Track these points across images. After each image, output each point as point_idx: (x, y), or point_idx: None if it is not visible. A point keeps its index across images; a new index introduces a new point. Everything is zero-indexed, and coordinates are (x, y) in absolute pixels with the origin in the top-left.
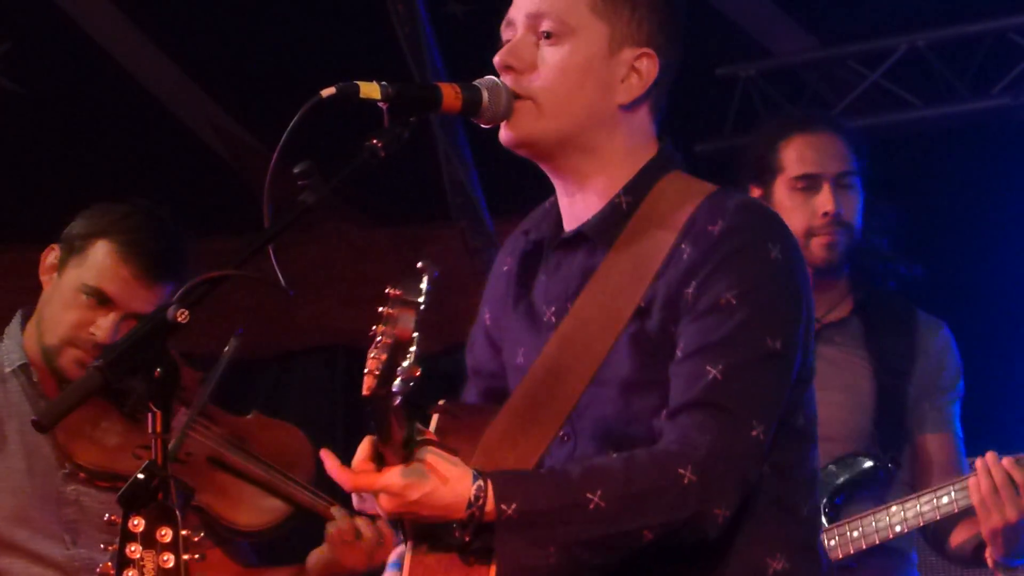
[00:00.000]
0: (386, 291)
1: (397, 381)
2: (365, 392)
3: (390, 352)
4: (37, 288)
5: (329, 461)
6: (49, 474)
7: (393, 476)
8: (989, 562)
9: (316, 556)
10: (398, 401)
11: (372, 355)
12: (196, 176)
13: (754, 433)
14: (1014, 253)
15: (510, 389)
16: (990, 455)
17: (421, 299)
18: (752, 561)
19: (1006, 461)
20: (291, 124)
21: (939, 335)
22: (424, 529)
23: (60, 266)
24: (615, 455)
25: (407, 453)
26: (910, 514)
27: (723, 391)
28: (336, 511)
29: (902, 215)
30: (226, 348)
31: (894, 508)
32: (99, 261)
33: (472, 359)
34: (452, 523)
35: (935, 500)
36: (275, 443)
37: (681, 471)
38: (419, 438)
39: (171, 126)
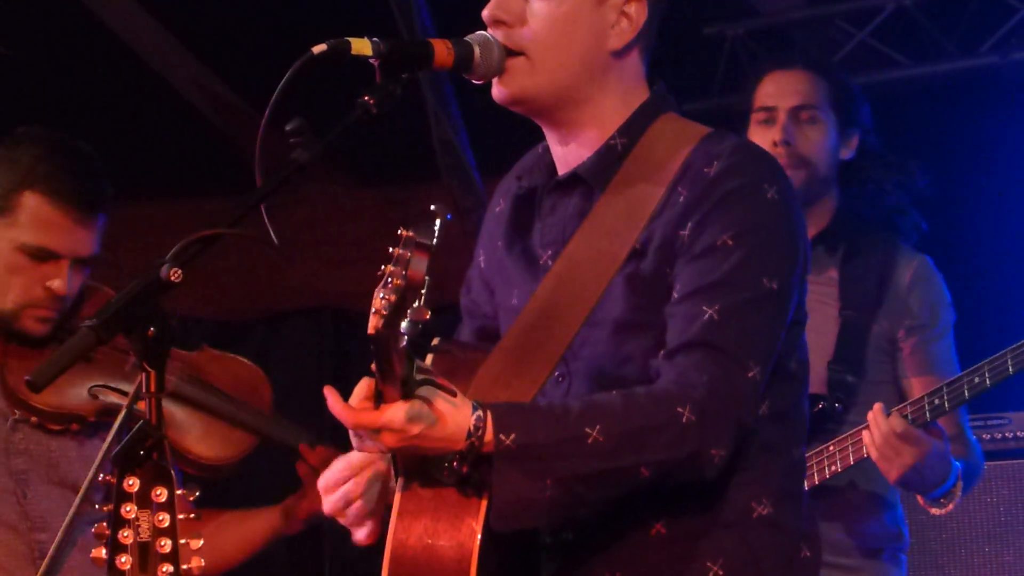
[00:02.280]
0: (398, 232)
1: (406, 322)
2: (370, 331)
3: (400, 293)
4: None
5: (331, 398)
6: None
7: (395, 412)
8: (920, 501)
9: (292, 498)
10: (404, 342)
11: (380, 295)
12: (183, 138)
13: (751, 374)
14: (1000, 209)
15: (501, 330)
16: (877, 407)
17: (434, 241)
18: (738, 505)
19: (893, 417)
20: (283, 82)
21: (912, 266)
22: (416, 466)
23: None
24: (614, 392)
25: (407, 390)
26: (838, 458)
27: (720, 331)
28: (304, 444)
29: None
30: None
31: (832, 448)
32: (32, 216)
33: (467, 300)
34: (449, 457)
35: (851, 446)
36: (229, 375)
37: (680, 410)
38: (419, 376)
39: (157, 87)
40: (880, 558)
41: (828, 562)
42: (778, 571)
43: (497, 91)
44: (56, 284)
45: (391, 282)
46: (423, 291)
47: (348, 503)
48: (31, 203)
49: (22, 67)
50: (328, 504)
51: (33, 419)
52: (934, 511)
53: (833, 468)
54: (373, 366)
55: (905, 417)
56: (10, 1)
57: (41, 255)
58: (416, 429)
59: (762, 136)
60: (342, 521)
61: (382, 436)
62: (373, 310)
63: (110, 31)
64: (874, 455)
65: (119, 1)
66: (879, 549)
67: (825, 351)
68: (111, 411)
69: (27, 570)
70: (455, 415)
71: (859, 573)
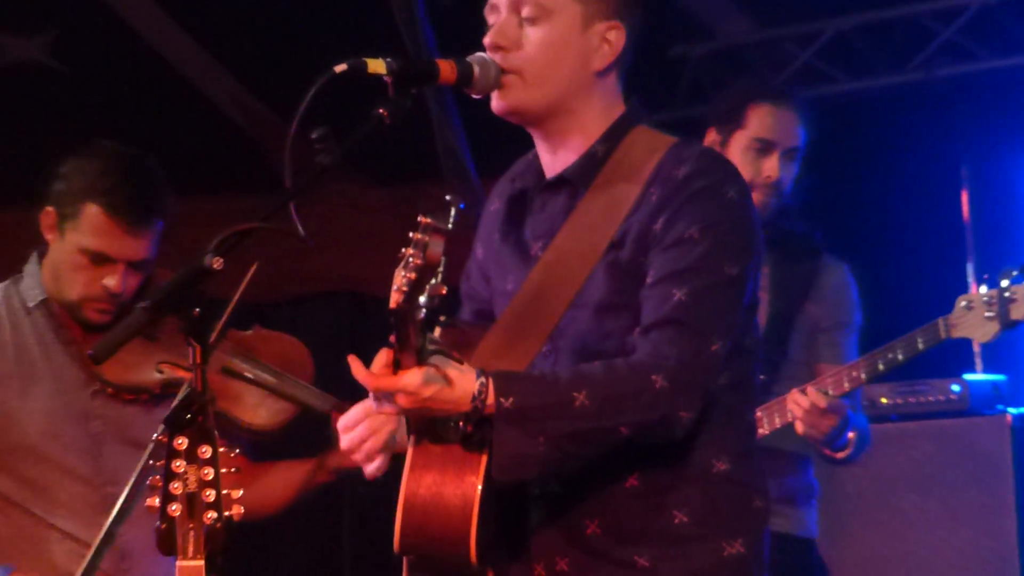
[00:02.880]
0: (418, 219)
1: (424, 297)
2: (392, 306)
3: (420, 272)
4: None
5: (355, 365)
6: (77, 393)
7: (410, 376)
8: (825, 452)
9: (323, 454)
10: (423, 315)
11: (402, 274)
12: (218, 144)
13: (714, 348)
14: (923, 203)
15: (496, 312)
16: (809, 388)
17: (450, 226)
18: (700, 461)
19: (814, 394)
20: (308, 95)
21: (835, 274)
22: (426, 426)
23: (59, 228)
24: (598, 363)
25: (421, 358)
26: (776, 420)
27: (688, 311)
28: (336, 411)
29: (819, 181)
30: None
31: (759, 414)
32: (92, 225)
33: (467, 287)
34: (456, 417)
35: (776, 413)
36: (278, 352)
37: (654, 377)
38: (431, 347)
39: (196, 100)
40: (796, 504)
41: None
42: (734, 519)
43: (496, 104)
44: (110, 283)
45: (411, 262)
46: (440, 270)
47: (362, 441)
48: (91, 213)
49: (78, 82)
50: (345, 441)
51: (109, 390)
52: (839, 455)
53: (760, 431)
54: (392, 337)
55: (825, 392)
56: (68, 26)
57: (98, 258)
58: (428, 392)
59: (753, 161)
60: (355, 456)
61: (398, 398)
62: (395, 287)
63: (160, 56)
64: (800, 428)
65: (169, 30)
66: (795, 497)
67: (762, 329)
68: (175, 384)
69: (99, 518)
70: (462, 380)
71: (779, 516)
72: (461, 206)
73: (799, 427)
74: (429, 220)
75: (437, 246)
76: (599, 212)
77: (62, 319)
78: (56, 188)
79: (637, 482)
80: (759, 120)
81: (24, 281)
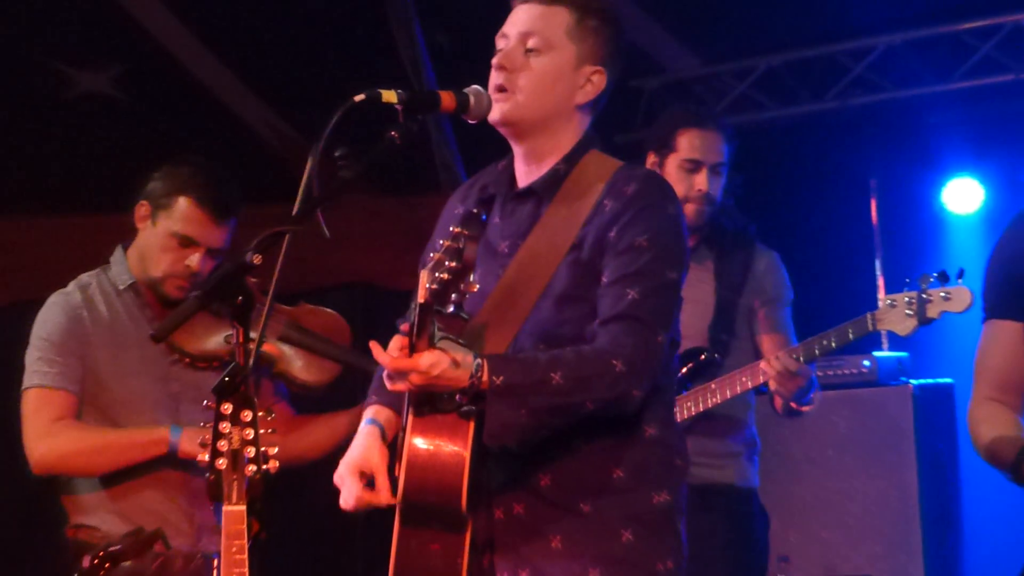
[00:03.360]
0: (451, 229)
1: (455, 294)
2: (421, 299)
3: (454, 273)
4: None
5: (375, 349)
6: (159, 361)
7: (424, 358)
8: (777, 407)
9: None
10: (451, 308)
11: (434, 274)
12: (252, 161)
13: (659, 339)
14: (839, 210)
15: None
16: (781, 354)
17: (480, 233)
18: (635, 428)
19: (786, 357)
20: (332, 121)
21: (766, 259)
22: (426, 399)
23: (152, 217)
24: (568, 348)
25: (432, 343)
26: (727, 391)
27: (639, 308)
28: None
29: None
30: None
31: (713, 386)
32: (183, 213)
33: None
34: (454, 392)
35: (740, 380)
36: (321, 322)
37: (614, 362)
38: (439, 333)
39: (234, 124)
40: (740, 459)
41: (705, 463)
42: (660, 474)
43: (493, 114)
44: (192, 263)
45: (447, 264)
46: (471, 272)
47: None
48: (183, 204)
49: (138, 111)
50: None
51: (185, 360)
52: (804, 408)
53: (714, 400)
54: (405, 326)
55: (797, 358)
56: (130, 63)
57: (185, 242)
58: (437, 371)
59: (685, 178)
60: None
61: (412, 377)
62: (426, 285)
63: (205, 87)
64: (772, 385)
65: (212, 65)
66: (740, 453)
67: (706, 317)
68: None
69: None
70: (462, 363)
71: (725, 468)
72: (483, 218)
73: (773, 385)
74: (463, 230)
75: (472, 251)
76: (561, 220)
77: (147, 299)
78: (151, 186)
79: (583, 444)
80: (687, 143)
81: (112, 269)
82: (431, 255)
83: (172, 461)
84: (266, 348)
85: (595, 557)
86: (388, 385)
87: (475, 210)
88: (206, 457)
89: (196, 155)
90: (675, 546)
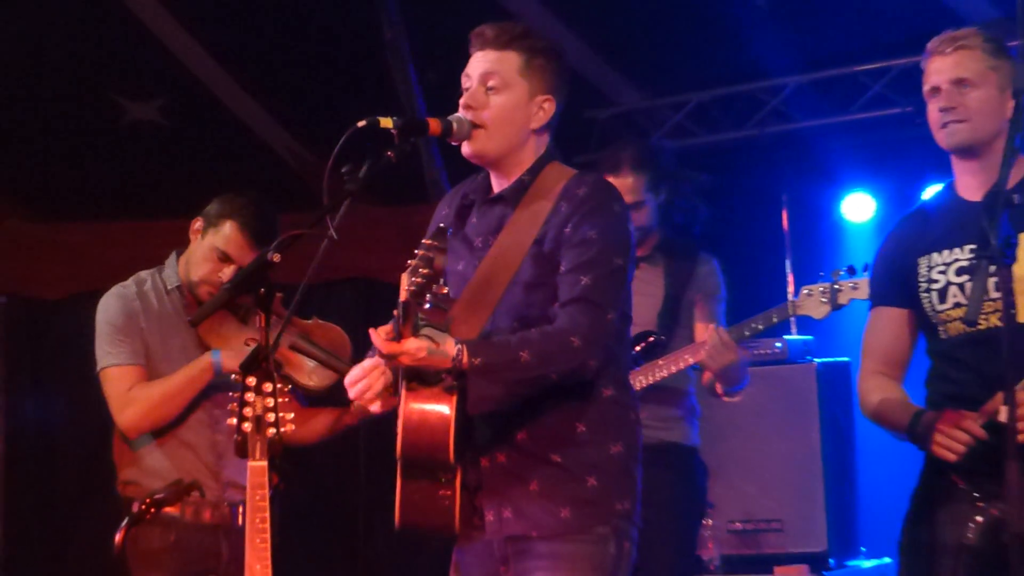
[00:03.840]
0: (424, 241)
1: (430, 295)
2: (403, 298)
3: (427, 278)
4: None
5: (373, 334)
6: (196, 349)
7: (410, 343)
8: (719, 391)
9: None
10: (428, 305)
11: (411, 278)
12: (273, 177)
13: (609, 317)
14: (756, 219)
15: (447, 282)
16: (712, 327)
17: (447, 245)
18: (595, 390)
19: (722, 331)
20: (340, 143)
21: (707, 264)
22: (416, 376)
23: (203, 232)
24: (534, 330)
25: (416, 331)
26: (672, 367)
27: (592, 292)
28: None
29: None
30: (301, 287)
31: (661, 363)
32: (228, 235)
33: None
34: (439, 371)
35: (683, 358)
36: (327, 336)
37: (573, 339)
38: (422, 323)
39: (259, 147)
40: (684, 422)
41: (656, 425)
42: (617, 428)
43: (466, 149)
44: (225, 275)
45: (420, 271)
46: (440, 276)
47: (366, 390)
48: (229, 227)
49: (179, 135)
50: (353, 392)
51: None
52: (726, 399)
53: (662, 374)
54: (396, 312)
55: (728, 331)
56: (171, 94)
57: (224, 258)
58: (422, 354)
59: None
60: (363, 401)
61: (401, 358)
62: (406, 286)
63: (236, 116)
64: (703, 353)
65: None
66: (683, 417)
67: (656, 308)
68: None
69: (205, 429)
70: (445, 346)
71: (673, 430)
72: (449, 232)
73: (702, 355)
74: (433, 242)
75: (441, 260)
76: (526, 220)
77: (188, 299)
78: (209, 207)
79: (552, 405)
80: (617, 184)
81: (165, 271)
82: (411, 262)
83: (218, 384)
84: (278, 354)
85: (565, 498)
86: (384, 364)
87: (442, 225)
88: (233, 421)
89: (251, 191)
90: (631, 488)
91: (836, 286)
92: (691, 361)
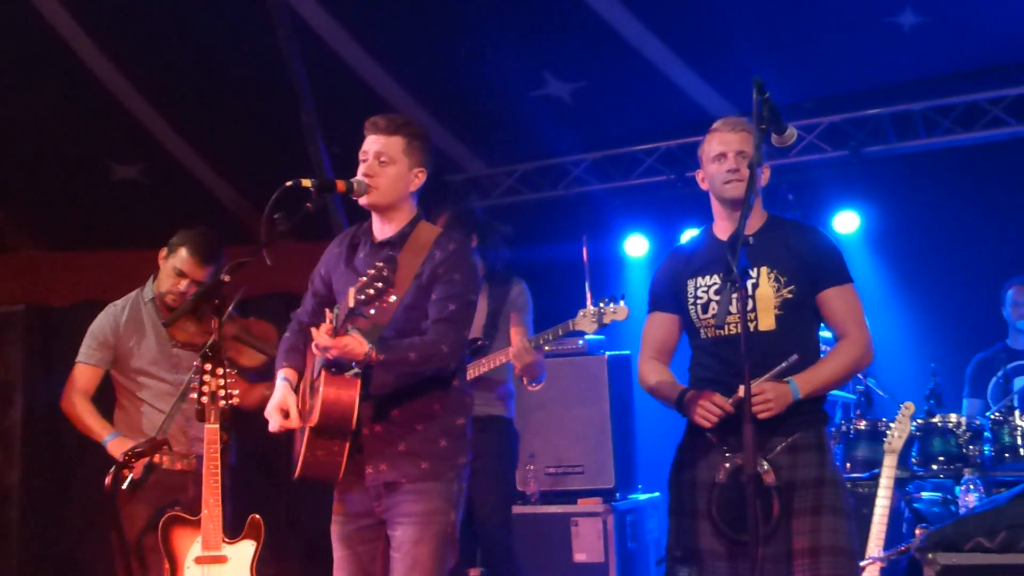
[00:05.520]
0: (376, 264)
1: (375, 303)
2: (350, 305)
3: (379, 291)
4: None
5: (313, 331)
6: (166, 345)
7: (342, 340)
8: (525, 383)
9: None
10: (359, 311)
11: (357, 293)
12: (221, 219)
13: (464, 332)
14: (561, 253)
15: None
16: (520, 339)
17: (396, 267)
18: (447, 381)
19: (525, 340)
20: (273, 197)
21: (519, 287)
22: (335, 364)
23: (167, 257)
24: (417, 338)
25: (345, 331)
26: (492, 364)
27: (455, 315)
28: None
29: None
30: (238, 293)
31: (483, 361)
32: (183, 257)
33: (314, 288)
34: (353, 362)
35: (500, 357)
36: (261, 330)
37: (443, 347)
38: (349, 325)
39: (212, 201)
40: (502, 402)
41: (483, 403)
42: (459, 407)
43: (363, 201)
44: (182, 287)
45: (373, 284)
46: (392, 286)
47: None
48: (183, 252)
49: (154, 190)
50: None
51: (181, 345)
52: (529, 388)
53: (486, 367)
54: (329, 313)
55: (531, 343)
56: (154, 161)
57: (180, 275)
58: (346, 349)
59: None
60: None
61: (331, 351)
62: (355, 296)
63: (198, 178)
64: (511, 353)
65: (202, 165)
66: (502, 398)
67: (482, 320)
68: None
69: (171, 399)
70: (362, 344)
71: (493, 406)
72: (394, 254)
73: (510, 355)
74: (382, 264)
75: (392, 276)
76: (408, 260)
77: (160, 307)
78: (171, 240)
79: (419, 391)
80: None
81: (145, 288)
82: (360, 278)
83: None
84: (225, 343)
85: (425, 455)
86: (316, 352)
87: (392, 253)
88: (195, 395)
89: (200, 226)
90: (466, 448)
91: (602, 310)
92: (504, 360)
